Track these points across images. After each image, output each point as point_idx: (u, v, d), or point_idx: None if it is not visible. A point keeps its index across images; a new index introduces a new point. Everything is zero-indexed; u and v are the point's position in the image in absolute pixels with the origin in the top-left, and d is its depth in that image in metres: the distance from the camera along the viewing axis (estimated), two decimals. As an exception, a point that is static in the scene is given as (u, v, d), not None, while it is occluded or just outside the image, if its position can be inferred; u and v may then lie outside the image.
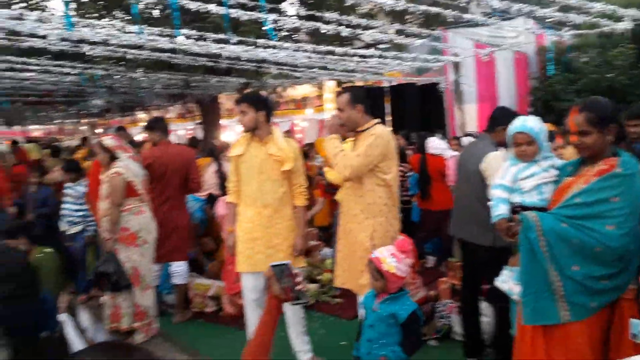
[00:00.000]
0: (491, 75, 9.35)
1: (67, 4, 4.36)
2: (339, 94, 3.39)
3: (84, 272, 5.25)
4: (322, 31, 5.06)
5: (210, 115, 9.57)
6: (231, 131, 12.24)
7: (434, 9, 4.95)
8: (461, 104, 9.60)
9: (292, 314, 3.42)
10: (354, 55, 6.40)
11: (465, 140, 6.31)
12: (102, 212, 4.21)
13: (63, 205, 5.28)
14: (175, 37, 4.73)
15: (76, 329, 3.73)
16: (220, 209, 4.69)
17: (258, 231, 3.42)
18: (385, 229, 3.15)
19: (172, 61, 5.99)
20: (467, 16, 6.05)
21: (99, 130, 17.37)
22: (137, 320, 4.26)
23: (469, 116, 9.52)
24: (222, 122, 10.37)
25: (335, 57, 6.21)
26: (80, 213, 5.18)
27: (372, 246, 2.96)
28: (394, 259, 2.41)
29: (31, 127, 18.47)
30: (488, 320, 3.56)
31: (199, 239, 5.33)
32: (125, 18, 6.73)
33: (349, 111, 3.20)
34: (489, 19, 5.62)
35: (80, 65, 6.43)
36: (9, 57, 6.38)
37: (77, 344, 3.76)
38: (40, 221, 5.97)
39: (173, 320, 4.62)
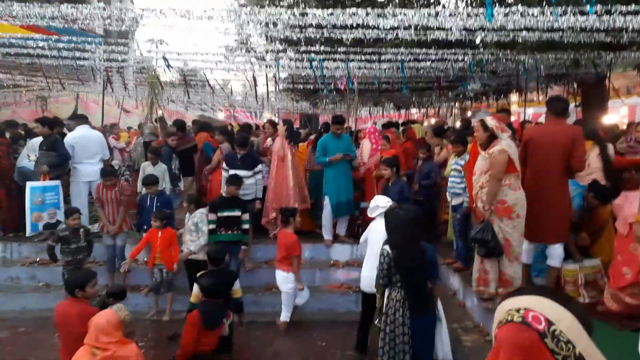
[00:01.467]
0: None
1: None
2: None
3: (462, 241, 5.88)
4: None
5: (593, 96, 8.82)
6: (615, 113, 10.89)
7: None
8: None
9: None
10: None
11: None
12: (479, 185, 4.62)
13: (450, 179, 6.01)
14: (589, 14, 4.63)
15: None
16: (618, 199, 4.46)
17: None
18: None
19: (561, 40, 5.86)
20: None
21: (469, 113, 18.40)
22: (502, 286, 4.55)
23: None
24: (608, 103, 9.36)
25: None
26: (462, 185, 5.76)
27: None
28: None
29: (413, 110, 21.25)
30: None
31: (576, 227, 5.08)
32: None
33: None
34: None
35: (470, 52, 7.08)
36: (411, 50, 7.62)
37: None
38: (422, 191, 7.03)
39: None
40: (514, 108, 15.06)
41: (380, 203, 4.80)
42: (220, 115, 24.11)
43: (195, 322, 4.50)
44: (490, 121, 4.62)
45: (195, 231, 5.90)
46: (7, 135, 7.96)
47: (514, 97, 14.29)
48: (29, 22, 6.95)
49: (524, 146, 4.77)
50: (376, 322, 4.23)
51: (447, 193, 6.02)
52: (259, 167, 6.85)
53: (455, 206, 5.92)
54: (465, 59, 7.51)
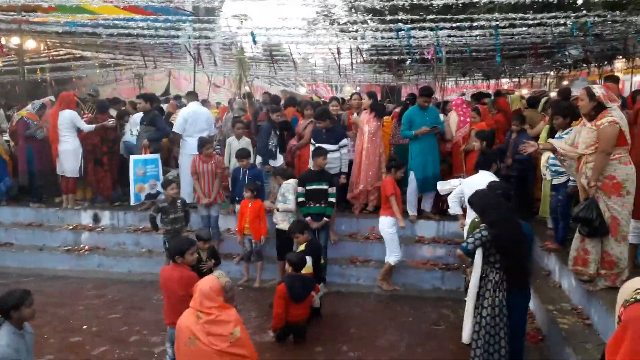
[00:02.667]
0: None
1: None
2: None
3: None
4: None
5: None
6: None
7: None
8: None
9: None
10: None
11: None
12: (585, 159, 4.27)
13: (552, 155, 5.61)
14: None
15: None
16: None
17: None
18: None
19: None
20: None
21: (565, 82, 17.06)
22: (605, 267, 4.25)
23: None
24: None
25: None
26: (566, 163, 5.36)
27: None
28: None
29: (503, 80, 20.03)
30: None
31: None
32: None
33: None
34: None
35: (573, 14, 6.49)
36: (506, 15, 7.13)
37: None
38: (515, 166, 6.67)
39: None
40: (619, 75, 13.74)
41: (452, 182, 5.13)
42: (302, 90, 24.34)
43: (283, 295, 4.70)
44: (598, 89, 4.24)
45: (283, 201, 6.10)
46: (113, 112, 8.57)
47: (619, 63, 12.99)
48: (130, 4, 7.40)
49: (635, 117, 4.36)
50: (465, 298, 4.13)
51: (546, 170, 5.64)
52: (344, 141, 6.85)
53: (556, 185, 5.50)
54: (567, 22, 6.89)
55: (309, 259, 5.15)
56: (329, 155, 6.37)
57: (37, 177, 7.89)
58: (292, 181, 6.21)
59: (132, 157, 7.24)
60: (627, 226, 4.21)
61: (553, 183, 5.55)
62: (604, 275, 4.26)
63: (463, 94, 14.14)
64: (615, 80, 6.45)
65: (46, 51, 12.36)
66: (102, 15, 8.23)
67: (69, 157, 7.53)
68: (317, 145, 6.53)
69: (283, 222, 6.10)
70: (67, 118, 7.44)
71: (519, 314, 3.87)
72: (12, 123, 8.16)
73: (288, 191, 6.12)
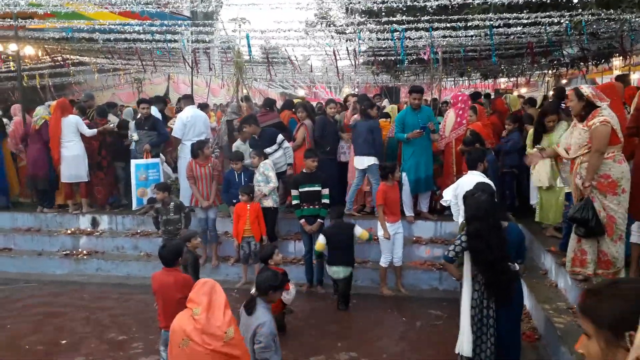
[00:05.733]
0: None
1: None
2: None
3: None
4: None
5: None
6: None
7: None
8: None
9: None
10: None
11: None
12: (580, 160, 4.29)
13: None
14: None
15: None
16: None
17: None
18: None
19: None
20: None
21: (564, 81, 17.05)
22: (602, 267, 4.25)
23: None
24: None
25: None
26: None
27: None
28: None
29: (501, 80, 20.04)
30: None
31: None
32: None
33: None
34: None
35: (567, 13, 6.50)
36: (500, 15, 7.14)
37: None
38: (507, 163, 6.72)
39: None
40: (617, 73, 13.73)
41: (446, 194, 5.13)
42: (301, 92, 24.37)
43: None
44: (586, 89, 4.28)
45: (265, 181, 6.25)
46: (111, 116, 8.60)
47: (617, 61, 12.98)
48: (125, 9, 7.43)
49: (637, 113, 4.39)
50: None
51: (556, 179, 5.56)
52: (280, 137, 6.88)
53: (568, 193, 5.33)
54: (562, 21, 6.90)
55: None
56: (272, 157, 6.61)
57: (45, 182, 7.86)
58: (268, 160, 6.42)
59: (134, 162, 7.27)
60: (623, 225, 4.21)
61: (566, 191, 5.51)
62: (601, 275, 4.27)
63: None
64: (624, 79, 6.44)
65: (44, 57, 12.40)
66: (98, 20, 8.26)
67: (78, 162, 7.53)
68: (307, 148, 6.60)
69: (267, 200, 6.28)
70: (73, 123, 7.47)
71: (507, 327, 3.68)
72: (33, 126, 7.87)
73: (267, 169, 6.26)
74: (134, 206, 7.32)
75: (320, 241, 5.73)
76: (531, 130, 6.13)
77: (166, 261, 4.11)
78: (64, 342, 5.06)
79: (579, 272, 4.43)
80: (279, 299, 4.45)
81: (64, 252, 7.36)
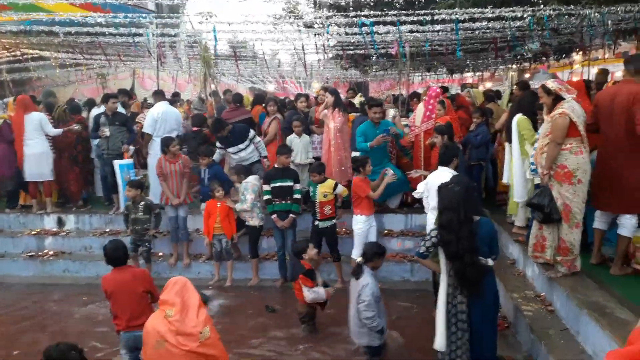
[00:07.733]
0: None
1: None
2: None
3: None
4: None
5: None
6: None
7: None
8: None
9: None
10: None
11: None
12: (540, 149, 4.43)
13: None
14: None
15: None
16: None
17: None
18: None
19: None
20: None
21: (527, 75, 17.51)
22: (561, 254, 4.41)
23: None
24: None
25: None
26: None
27: None
28: None
29: (467, 74, 20.44)
30: None
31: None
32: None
33: None
34: None
35: (530, 9, 6.69)
36: (466, 10, 7.27)
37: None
38: (474, 155, 6.87)
39: (610, 271, 4.51)
40: (576, 68, 14.20)
41: (419, 189, 5.22)
42: (270, 87, 24.23)
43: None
44: (552, 84, 4.44)
45: (242, 201, 6.13)
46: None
47: (577, 56, 13.44)
48: (86, 1, 7.21)
49: (595, 110, 4.54)
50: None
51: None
52: (251, 132, 6.88)
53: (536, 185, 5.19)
54: (525, 16, 7.09)
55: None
56: (243, 152, 6.66)
57: (14, 182, 7.57)
58: (251, 178, 6.23)
59: (117, 162, 7.13)
60: (580, 214, 4.33)
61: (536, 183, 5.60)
62: (560, 262, 4.42)
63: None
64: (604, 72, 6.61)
65: (2, 51, 11.92)
66: (57, 13, 7.97)
67: (41, 160, 7.27)
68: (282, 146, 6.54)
69: (252, 219, 6.12)
70: (36, 120, 7.20)
71: (481, 319, 3.61)
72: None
73: (246, 189, 6.12)
74: (122, 208, 7.04)
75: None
76: (526, 122, 5.99)
77: (116, 261, 3.99)
78: (15, 352, 4.80)
79: (539, 257, 4.58)
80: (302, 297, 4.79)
81: (29, 254, 7.12)
